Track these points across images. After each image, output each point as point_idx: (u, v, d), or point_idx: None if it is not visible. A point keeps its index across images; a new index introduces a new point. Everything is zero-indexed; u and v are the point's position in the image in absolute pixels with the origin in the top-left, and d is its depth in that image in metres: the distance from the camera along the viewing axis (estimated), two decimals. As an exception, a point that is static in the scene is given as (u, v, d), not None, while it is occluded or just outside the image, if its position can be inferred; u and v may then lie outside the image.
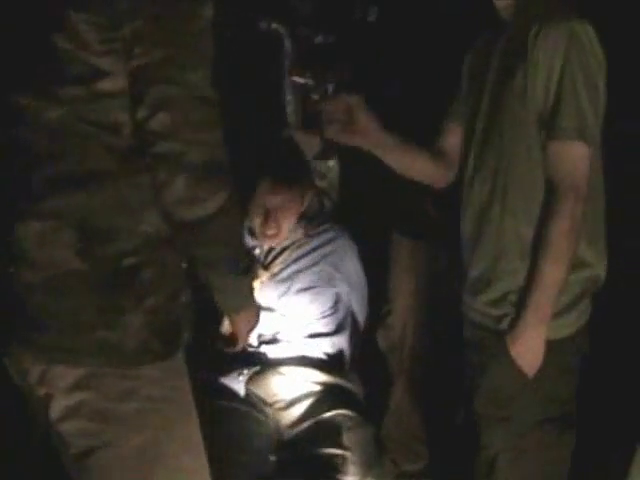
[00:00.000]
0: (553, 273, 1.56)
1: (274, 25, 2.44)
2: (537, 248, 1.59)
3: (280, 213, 2.19)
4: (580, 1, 1.65)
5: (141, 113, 1.17)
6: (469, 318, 1.78)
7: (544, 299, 1.57)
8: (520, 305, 1.61)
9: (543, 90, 1.57)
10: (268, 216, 2.17)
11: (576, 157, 1.57)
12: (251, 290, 1.53)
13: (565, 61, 1.55)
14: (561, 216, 1.55)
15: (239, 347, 1.65)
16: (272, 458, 1.93)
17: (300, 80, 2.07)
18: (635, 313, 2.16)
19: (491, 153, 1.67)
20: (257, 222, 2.20)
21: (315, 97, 1.93)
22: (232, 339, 1.65)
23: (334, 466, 1.83)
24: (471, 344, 1.78)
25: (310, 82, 2.01)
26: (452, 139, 1.85)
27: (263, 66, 2.59)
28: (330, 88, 1.90)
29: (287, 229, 2.23)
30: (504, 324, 1.65)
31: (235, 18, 2.47)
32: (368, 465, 1.88)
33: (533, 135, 1.61)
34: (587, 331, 1.69)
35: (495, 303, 1.68)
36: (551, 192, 1.58)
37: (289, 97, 2.62)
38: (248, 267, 1.44)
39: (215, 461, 1.75)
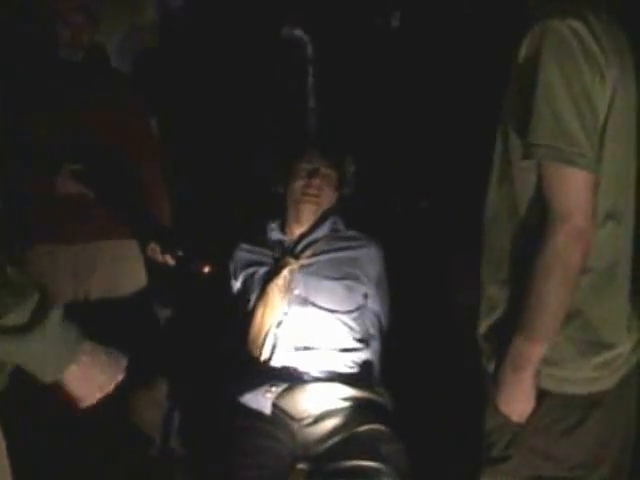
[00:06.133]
0: (534, 321, 1.35)
1: (297, 31, 2.47)
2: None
3: (322, 176, 2.28)
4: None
5: None
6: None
7: (525, 345, 1.37)
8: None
9: (517, 100, 1.33)
10: (312, 175, 2.27)
11: (562, 181, 1.28)
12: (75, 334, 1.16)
13: (537, 62, 1.27)
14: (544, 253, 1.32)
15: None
16: (300, 466, 1.90)
17: None
18: None
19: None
20: (299, 185, 2.28)
21: None
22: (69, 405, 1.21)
23: (368, 478, 1.78)
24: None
25: None
26: None
27: (286, 71, 2.63)
28: None
29: (327, 196, 2.31)
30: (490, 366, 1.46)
31: (258, 24, 2.51)
32: (402, 478, 1.82)
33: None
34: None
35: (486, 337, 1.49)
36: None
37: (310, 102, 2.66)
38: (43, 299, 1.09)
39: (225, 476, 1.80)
